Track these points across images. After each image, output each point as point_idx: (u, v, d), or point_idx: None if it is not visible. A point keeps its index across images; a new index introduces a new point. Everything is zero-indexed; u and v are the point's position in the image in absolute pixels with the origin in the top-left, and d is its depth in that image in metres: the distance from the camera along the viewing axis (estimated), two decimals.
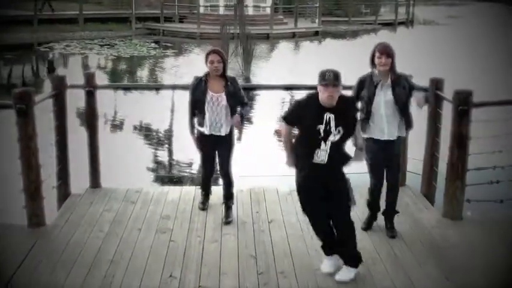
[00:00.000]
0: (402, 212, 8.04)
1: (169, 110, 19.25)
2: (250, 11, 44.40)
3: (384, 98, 7.08)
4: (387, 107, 7.11)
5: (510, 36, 44.73)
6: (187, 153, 12.56)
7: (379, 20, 54.86)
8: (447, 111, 8.03)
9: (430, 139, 8.58)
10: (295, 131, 6.26)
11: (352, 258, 6.29)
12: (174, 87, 13.32)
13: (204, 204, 8.17)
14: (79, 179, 8.86)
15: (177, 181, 12.13)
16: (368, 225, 7.60)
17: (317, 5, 50.38)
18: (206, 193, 8.21)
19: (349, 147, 6.26)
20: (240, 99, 7.60)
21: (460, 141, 7.76)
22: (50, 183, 8.31)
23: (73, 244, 7.07)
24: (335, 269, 6.33)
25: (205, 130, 7.53)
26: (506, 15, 63.58)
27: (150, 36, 43.13)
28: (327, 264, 6.43)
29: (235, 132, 7.87)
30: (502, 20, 60.53)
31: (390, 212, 7.58)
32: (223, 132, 7.56)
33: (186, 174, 13.02)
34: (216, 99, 7.43)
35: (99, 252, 6.86)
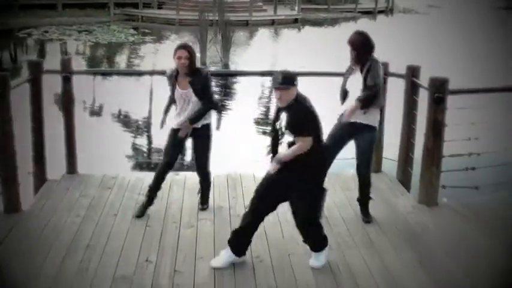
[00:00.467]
0: (378, 198, 8.10)
1: (148, 96, 19.22)
2: None
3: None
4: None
5: (489, 26, 44.98)
6: (165, 139, 12.57)
7: (358, 8, 54.86)
8: (424, 99, 8.07)
9: (406, 126, 8.63)
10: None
11: (311, 244, 6.37)
12: (152, 73, 13.31)
13: (143, 212, 7.50)
14: (55, 165, 8.83)
15: (155, 167, 12.12)
16: None
17: None
18: (151, 197, 7.59)
19: None
20: (205, 99, 7.31)
21: (436, 128, 7.82)
22: (26, 169, 8.28)
23: (49, 229, 7.06)
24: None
25: (174, 124, 7.41)
26: (486, 5, 63.84)
27: (129, 22, 42.86)
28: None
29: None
30: (482, 10, 60.81)
31: (365, 198, 7.64)
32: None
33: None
34: (186, 96, 7.27)
35: (75, 238, 6.85)
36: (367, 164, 7.56)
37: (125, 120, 16.86)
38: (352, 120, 7.19)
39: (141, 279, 5.99)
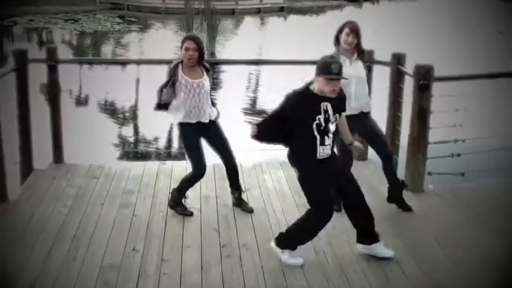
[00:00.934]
0: (363, 185, 8.10)
1: (134, 85, 19.18)
2: None
3: (355, 75, 7.07)
4: (358, 83, 7.14)
5: (475, 14, 45.08)
6: (152, 129, 12.56)
7: None
8: (410, 86, 8.10)
9: (392, 113, 8.67)
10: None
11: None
12: (138, 62, 13.30)
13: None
14: (42, 155, 8.82)
15: (142, 157, 12.13)
16: None
17: None
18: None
19: None
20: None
21: (421, 115, 7.86)
22: (13, 159, 8.27)
23: (36, 219, 7.05)
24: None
25: (189, 119, 7.11)
26: None
27: (115, 11, 42.70)
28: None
29: None
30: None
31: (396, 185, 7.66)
32: (207, 118, 7.21)
33: (151, 150, 13.02)
34: (198, 86, 7.03)
35: (62, 227, 6.85)
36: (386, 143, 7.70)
37: (111, 110, 16.83)
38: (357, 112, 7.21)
39: (129, 268, 6.00)
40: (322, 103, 5.85)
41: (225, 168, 7.46)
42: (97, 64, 21.90)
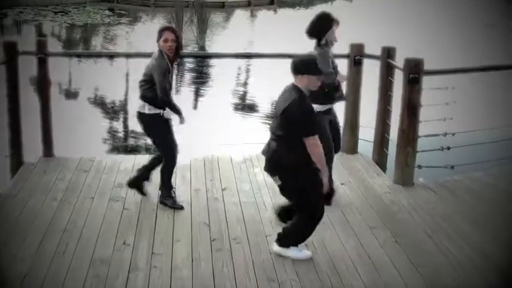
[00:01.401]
0: (354, 179, 8.18)
1: (124, 78, 19.13)
2: None
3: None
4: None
5: (464, 7, 45.12)
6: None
7: None
8: (400, 80, 8.12)
9: (382, 107, 8.69)
10: None
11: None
12: (128, 55, 13.25)
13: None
14: (32, 148, 8.80)
15: (132, 150, 12.12)
16: None
17: None
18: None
19: None
20: None
21: (411, 108, 7.89)
22: (3, 153, 8.25)
23: (26, 213, 7.04)
24: None
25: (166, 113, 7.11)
26: None
27: (104, 3, 42.48)
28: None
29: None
30: None
31: None
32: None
33: (140, 143, 13.00)
34: (171, 77, 7.16)
35: (52, 221, 6.84)
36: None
37: (101, 103, 16.78)
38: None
39: (119, 261, 6.00)
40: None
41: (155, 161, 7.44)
42: (87, 57, 21.83)
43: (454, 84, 8.33)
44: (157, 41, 6.95)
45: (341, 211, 7.24)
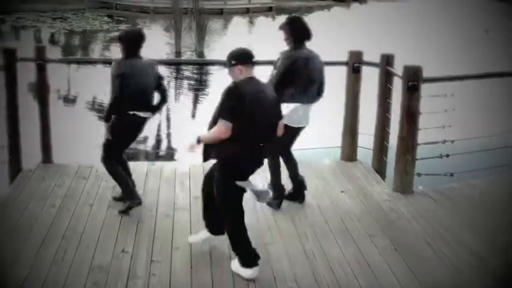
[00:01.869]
0: (353, 187, 8.18)
1: None
2: None
3: None
4: None
5: (462, 13, 45.21)
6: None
7: None
8: (399, 87, 8.11)
9: (381, 114, 8.69)
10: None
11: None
12: None
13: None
14: (31, 155, 8.79)
15: (131, 157, 12.10)
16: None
17: None
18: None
19: None
20: None
21: (410, 116, 7.87)
22: (1, 159, 8.24)
23: (25, 219, 7.02)
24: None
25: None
26: None
27: (103, 9, 42.54)
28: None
29: None
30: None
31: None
32: None
33: (140, 149, 12.99)
34: None
35: (51, 228, 6.83)
36: None
37: (99, 109, 16.76)
38: None
39: (118, 269, 5.98)
40: None
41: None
42: (85, 64, 21.83)
43: (453, 91, 8.33)
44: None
45: (340, 219, 7.23)
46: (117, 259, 6.17)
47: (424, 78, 7.85)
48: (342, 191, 8.05)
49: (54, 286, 5.68)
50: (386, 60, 8.53)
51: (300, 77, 7.08)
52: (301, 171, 7.67)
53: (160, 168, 8.69)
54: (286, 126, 6.77)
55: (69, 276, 5.83)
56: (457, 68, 15.76)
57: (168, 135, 14.89)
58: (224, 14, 41.68)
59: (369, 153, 8.99)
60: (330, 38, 25.77)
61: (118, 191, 7.64)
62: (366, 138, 9.02)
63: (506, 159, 8.96)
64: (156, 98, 7.41)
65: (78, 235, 6.67)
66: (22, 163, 8.56)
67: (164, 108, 16.96)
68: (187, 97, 19.06)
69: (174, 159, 7.94)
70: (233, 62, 5.76)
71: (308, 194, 7.75)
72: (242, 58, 5.80)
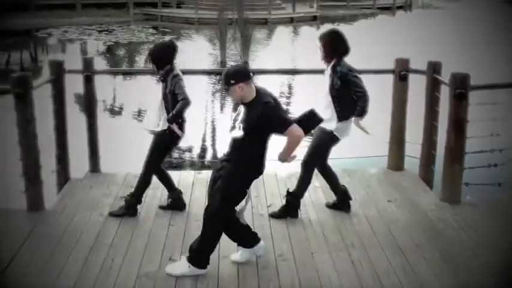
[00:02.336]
0: (400, 196, 8.10)
1: None
2: None
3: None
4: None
5: (509, 22, 44.65)
6: (186, 138, 12.57)
7: (377, 4, 54.50)
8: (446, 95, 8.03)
9: (428, 123, 8.60)
10: None
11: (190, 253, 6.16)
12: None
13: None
14: (79, 164, 8.88)
15: (177, 166, 12.16)
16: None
17: None
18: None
19: None
20: None
21: (458, 124, 7.77)
22: (50, 168, 8.34)
23: (72, 228, 7.10)
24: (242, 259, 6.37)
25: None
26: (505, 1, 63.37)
27: (148, 21, 42.92)
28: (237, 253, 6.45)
29: None
30: (501, 6, 60.36)
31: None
32: None
33: (185, 159, 13.05)
34: None
35: (98, 236, 6.89)
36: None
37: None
38: None
39: (165, 277, 6.01)
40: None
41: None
42: (131, 74, 22.03)
43: (502, 98, 8.22)
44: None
45: (387, 228, 7.17)
46: (164, 267, 6.19)
47: (471, 85, 7.75)
48: (389, 201, 7.98)
49: None
50: (433, 68, 8.44)
51: None
52: (348, 180, 7.66)
53: (206, 176, 8.69)
54: (334, 137, 7.08)
55: (117, 284, 5.88)
56: (506, 75, 15.54)
57: (213, 144, 14.96)
58: (268, 24, 41.71)
59: (416, 162, 8.90)
60: (375, 46, 25.69)
61: (164, 199, 7.70)
62: (413, 146, 8.94)
63: None
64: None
65: (126, 243, 6.72)
66: (70, 172, 8.66)
67: (210, 118, 17.15)
68: (230, 106, 19.14)
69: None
70: (232, 82, 5.75)
71: (354, 203, 7.71)
72: (242, 76, 5.80)
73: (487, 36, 35.57)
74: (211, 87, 20.58)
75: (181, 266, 6.08)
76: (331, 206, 7.65)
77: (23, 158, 7.44)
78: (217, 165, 6.23)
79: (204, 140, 14.98)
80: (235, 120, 5.92)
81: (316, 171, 7.54)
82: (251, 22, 29.43)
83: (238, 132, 5.82)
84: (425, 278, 6.08)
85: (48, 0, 41.20)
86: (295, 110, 17.97)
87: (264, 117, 5.74)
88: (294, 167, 8.60)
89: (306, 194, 7.68)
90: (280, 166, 8.07)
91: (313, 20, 45.78)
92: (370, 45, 24.67)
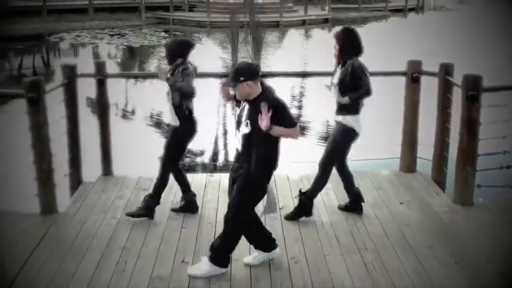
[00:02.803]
0: (413, 198, 8.09)
1: None
2: None
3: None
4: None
5: None
6: (198, 141, 12.60)
7: (389, 6, 54.38)
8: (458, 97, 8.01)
9: (440, 125, 8.58)
10: None
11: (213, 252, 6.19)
12: None
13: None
14: (91, 167, 8.91)
15: (189, 169, 12.18)
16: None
17: None
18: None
19: None
20: None
21: (470, 126, 7.74)
22: (62, 172, 8.37)
23: (85, 231, 7.13)
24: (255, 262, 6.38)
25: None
26: None
27: (160, 25, 43.01)
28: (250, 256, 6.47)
29: None
30: None
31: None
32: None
33: (197, 162, 13.08)
34: None
35: (111, 240, 6.92)
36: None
37: (157, 123, 16.93)
38: None
39: (178, 280, 6.03)
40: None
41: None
42: (143, 78, 22.10)
43: None
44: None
45: (400, 230, 7.16)
46: (177, 270, 6.22)
47: (484, 87, 7.72)
48: (401, 203, 7.97)
49: None
50: (446, 70, 8.41)
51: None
52: (360, 182, 7.64)
53: (218, 179, 8.72)
54: (354, 134, 7.16)
55: (130, 287, 5.89)
56: None
57: (225, 146, 14.98)
58: (280, 27, 41.71)
59: (429, 164, 8.88)
60: (387, 48, 25.65)
61: (177, 203, 7.71)
62: (425, 148, 8.92)
63: None
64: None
65: (139, 246, 6.74)
66: (83, 176, 8.69)
67: (221, 121, 17.17)
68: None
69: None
70: (241, 79, 5.77)
71: (367, 205, 7.71)
72: (251, 73, 5.83)
73: (499, 37, 35.44)
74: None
75: (204, 266, 6.11)
76: (344, 208, 7.65)
77: (36, 161, 7.48)
78: (232, 166, 6.23)
79: (216, 143, 15.00)
80: (240, 117, 5.96)
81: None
82: (263, 25, 29.45)
83: (246, 129, 5.86)
84: (437, 280, 6.07)
85: (60, 5, 41.37)
86: (306, 112, 18.01)
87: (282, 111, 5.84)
88: (306, 169, 8.65)
89: (318, 196, 7.68)
90: (291, 168, 8.10)
91: (325, 22, 45.73)
92: (382, 47, 24.69)
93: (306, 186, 7.96)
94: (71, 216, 7.56)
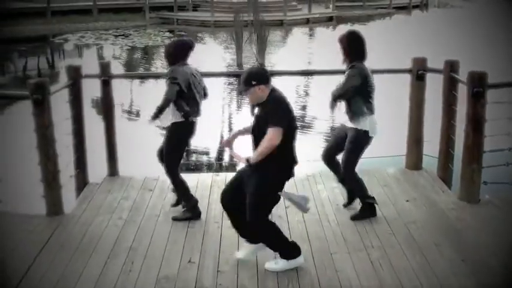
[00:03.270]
0: (419, 195, 8.07)
1: None
2: None
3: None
4: None
5: None
6: (203, 140, 12.59)
7: (393, 3, 54.29)
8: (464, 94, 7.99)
9: (446, 122, 8.56)
10: None
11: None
12: None
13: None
14: (97, 168, 8.92)
15: (194, 169, 12.19)
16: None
17: None
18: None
19: None
20: None
21: (476, 123, 7.72)
22: (68, 173, 8.38)
23: (91, 232, 7.14)
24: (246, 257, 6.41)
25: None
26: None
27: (164, 25, 43.02)
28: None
29: None
30: None
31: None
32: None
33: (203, 161, 13.08)
34: None
35: (117, 240, 6.92)
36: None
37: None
38: None
39: (185, 280, 6.03)
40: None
41: None
42: (148, 78, 22.11)
43: None
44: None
45: (406, 228, 7.15)
46: (183, 270, 6.22)
47: (489, 84, 7.70)
48: (407, 200, 7.96)
49: None
50: (451, 67, 8.40)
51: (373, 88, 7.17)
52: (366, 179, 7.62)
53: (224, 178, 8.71)
54: (368, 137, 7.17)
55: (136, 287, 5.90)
56: None
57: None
58: (284, 25, 41.70)
59: (434, 161, 8.87)
60: (392, 46, 25.59)
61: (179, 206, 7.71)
62: (431, 146, 8.91)
63: None
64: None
65: (145, 246, 6.74)
66: (88, 177, 8.70)
67: (226, 120, 17.17)
68: (247, 107, 19.11)
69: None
70: (254, 83, 5.82)
71: None
72: (263, 78, 5.88)
73: (504, 34, 35.36)
74: (228, 90, 20.59)
75: (282, 264, 6.19)
76: (354, 218, 7.61)
77: (41, 162, 7.49)
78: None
79: (221, 142, 15.00)
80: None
81: (327, 169, 7.63)
82: (267, 24, 29.41)
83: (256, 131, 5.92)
84: (444, 277, 6.05)
85: (64, 6, 41.41)
86: (312, 110, 17.99)
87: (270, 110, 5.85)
88: (312, 169, 8.64)
89: (324, 195, 7.67)
90: (298, 168, 8.08)
91: (329, 20, 45.68)
92: (387, 45, 24.64)
93: (312, 185, 7.97)
94: (77, 218, 7.57)
